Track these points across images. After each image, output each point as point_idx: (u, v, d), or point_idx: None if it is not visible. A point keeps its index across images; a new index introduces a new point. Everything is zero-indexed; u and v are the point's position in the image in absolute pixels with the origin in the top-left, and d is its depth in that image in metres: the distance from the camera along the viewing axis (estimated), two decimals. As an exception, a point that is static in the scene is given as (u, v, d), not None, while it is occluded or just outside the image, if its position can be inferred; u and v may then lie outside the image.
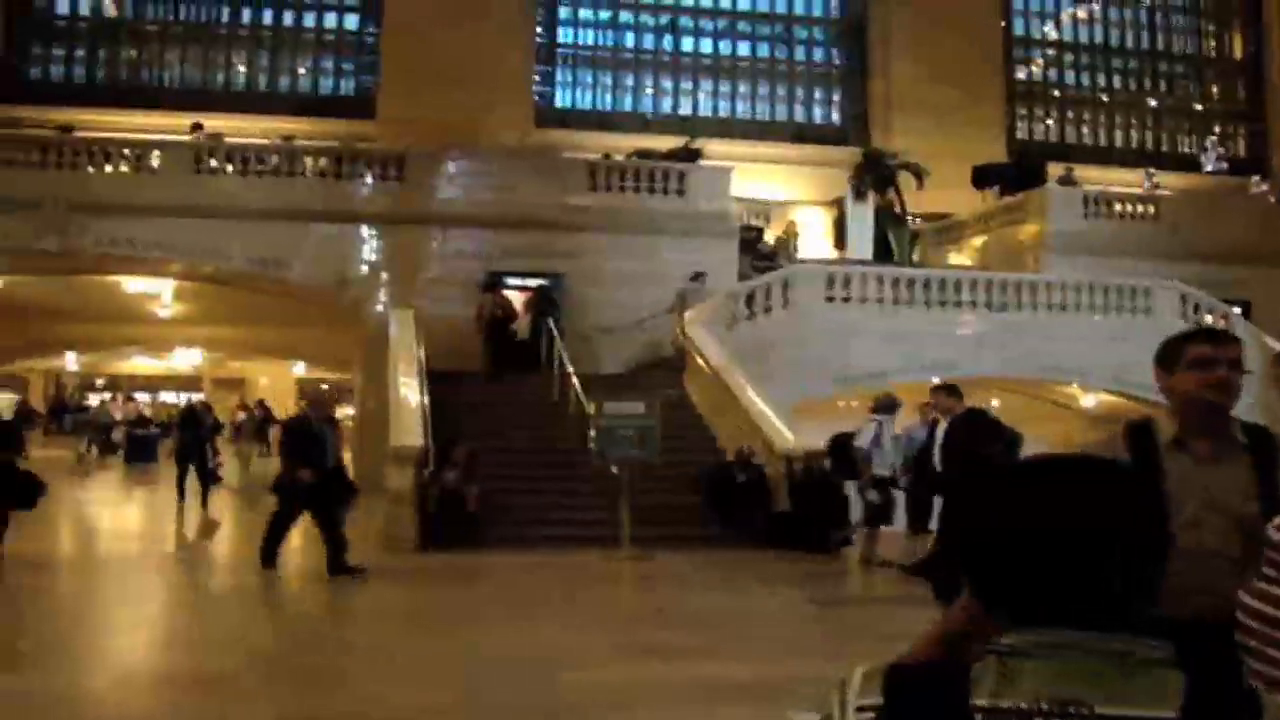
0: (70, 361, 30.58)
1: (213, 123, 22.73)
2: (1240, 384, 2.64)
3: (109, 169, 18.73)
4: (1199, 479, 2.55)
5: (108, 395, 29.75)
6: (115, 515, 16.66)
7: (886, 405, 11.75)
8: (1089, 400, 19.76)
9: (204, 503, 15.69)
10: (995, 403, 18.75)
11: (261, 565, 9.96)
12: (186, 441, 16.30)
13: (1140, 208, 22.76)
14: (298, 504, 9.92)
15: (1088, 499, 1.36)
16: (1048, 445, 18.51)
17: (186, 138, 20.28)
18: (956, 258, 23.25)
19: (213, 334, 25.57)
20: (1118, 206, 22.49)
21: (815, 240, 24.57)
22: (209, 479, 16.23)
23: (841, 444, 11.73)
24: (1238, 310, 19.45)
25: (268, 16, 27.16)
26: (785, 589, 10.06)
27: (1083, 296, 18.41)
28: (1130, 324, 18.17)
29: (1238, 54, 31.95)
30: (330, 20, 27.46)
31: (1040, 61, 30.69)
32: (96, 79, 26.42)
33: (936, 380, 16.08)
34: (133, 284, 20.80)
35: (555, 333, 15.94)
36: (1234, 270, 20.80)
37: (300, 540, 10.88)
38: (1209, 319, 18.88)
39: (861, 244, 20.95)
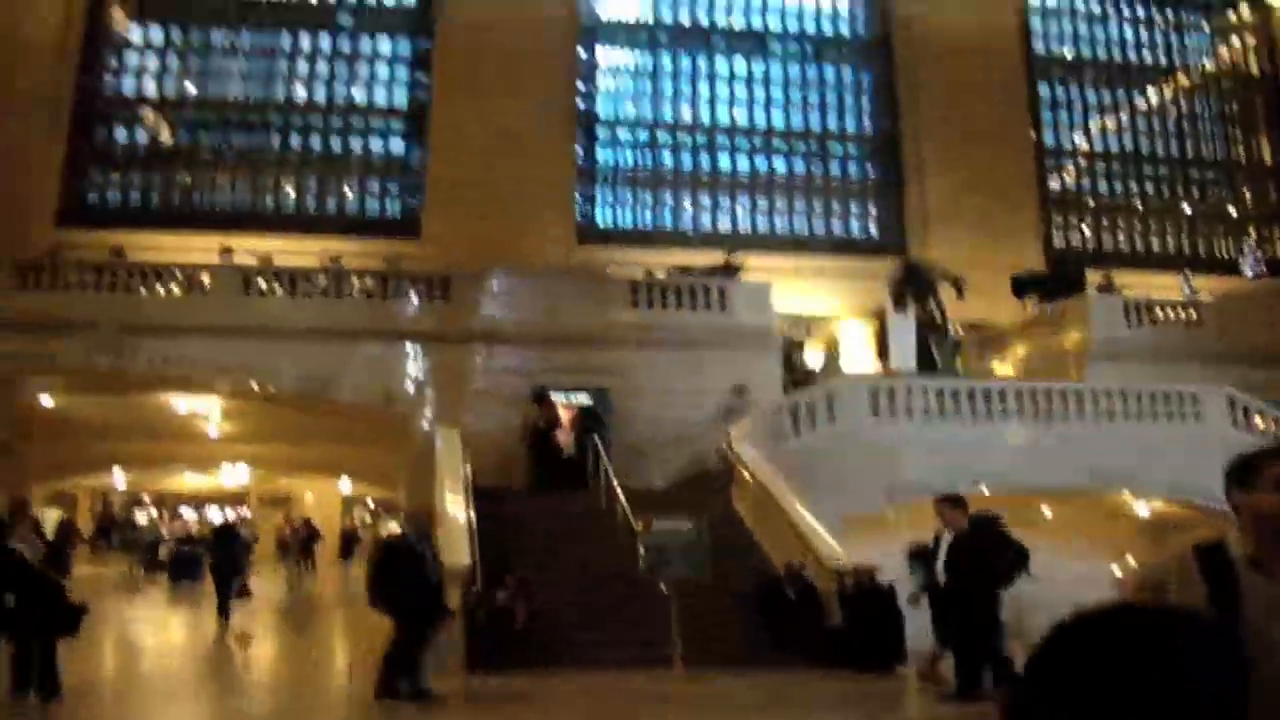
0: (118, 478, 30.88)
1: (262, 244, 23.38)
2: None
3: (160, 291, 19.25)
4: None
5: (154, 512, 29.94)
6: (158, 635, 16.60)
7: (920, 553, 11.54)
8: (1142, 509, 19.41)
9: (226, 615, 15.75)
10: (1047, 512, 18.50)
11: (376, 696, 9.30)
12: (221, 559, 16.46)
13: (1182, 313, 22.70)
14: (422, 622, 9.43)
15: (1170, 664, 1.34)
16: (1103, 556, 18.24)
17: (235, 260, 20.81)
18: (1000, 367, 23.19)
19: (260, 451, 25.80)
20: (1159, 312, 22.45)
21: (857, 352, 24.61)
22: (238, 594, 16.32)
23: (922, 554, 11.48)
24: (1288, 413, 19.17)
25: (316, 142, 28.07)
26: (843, 712, 9.81)
27: (1129, 404, 18.26)
28: (1180, 431, 17.99)
29: (1267, 159, 32.14)
30: (376, 144, 28.32)
31: (1072, 170, 31.01)
32: (151, 203, 27.25)
33: (985, 490, 15.96)
34: (182, 402, 21.13)
35: (601, 448, 15.96)
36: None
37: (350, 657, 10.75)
38: (1259, 423, 18.63)
39: (904, 355, 20.98)
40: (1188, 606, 2.35)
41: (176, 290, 19.37)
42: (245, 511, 28.11)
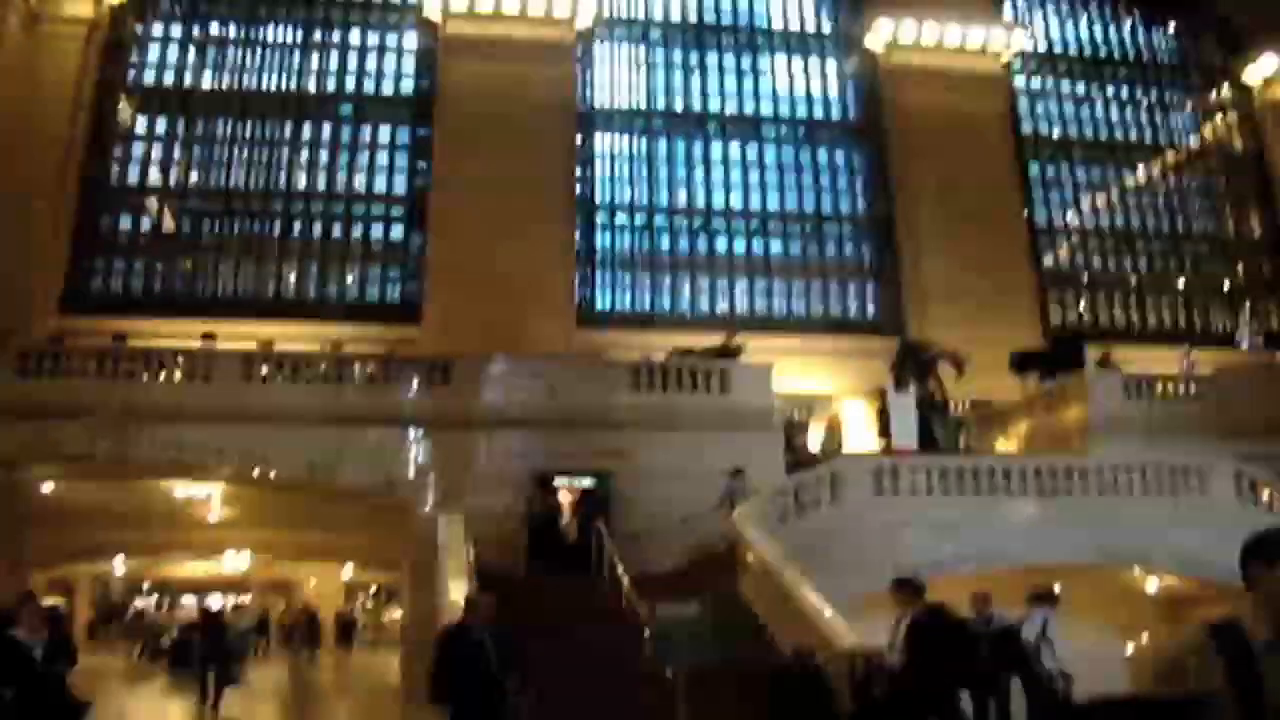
0: (118, 565, 30.60)
1: (264, 329, 23.54)
2: None
3: (162, 377, 19.28)
4: None
5: (153, 599, 29.60)
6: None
7: (1048, 595, 11.53)
8: (1152, 585, 19.23)
9: (215, 704, 15.56)
10: (1056, 588, 18.33)
11: None
12: (209, 648, 16.31)
13: (1181, 387, 22.76)
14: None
15: None
16: (1114, 634, 18.05)
17: (218, 346, 20.86)
18: (1003, 444, 23.18)
19: (261, 537, 25.59)
20: (1159, 387, 22.50)
21: (859, 432, 24.62)
22: (225, 681, 16.11)
23: (1006, 635, 11.34)
24: (1293, 485, 19.12)
25: (317, 229, 28.37)
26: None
27: (1134, 479, 18.19)
28: (1187, 505, 17.91)
29: (1256, 232, 32.55)
30: (377, 230, 28.64)
31: (1066, 248, 31.37)
32: (154, 290, 27.46)
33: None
34: (182, 488, 21.03)
35: (604, 533, 15.87)
36: (1280, 444, 20.56)
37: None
38: (1265, 496, 18.57)
39: (906, 434, 20.98)
40: (1208, 693, 2.35)
41: (178, 376, 19.40)
42: (246, 598, 27.77)
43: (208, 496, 21.58)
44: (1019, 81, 32.52)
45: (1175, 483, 18.31)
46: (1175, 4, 34.20)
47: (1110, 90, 33.40)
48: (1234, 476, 18.46)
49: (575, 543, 16.79)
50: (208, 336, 21.63)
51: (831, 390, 25.90)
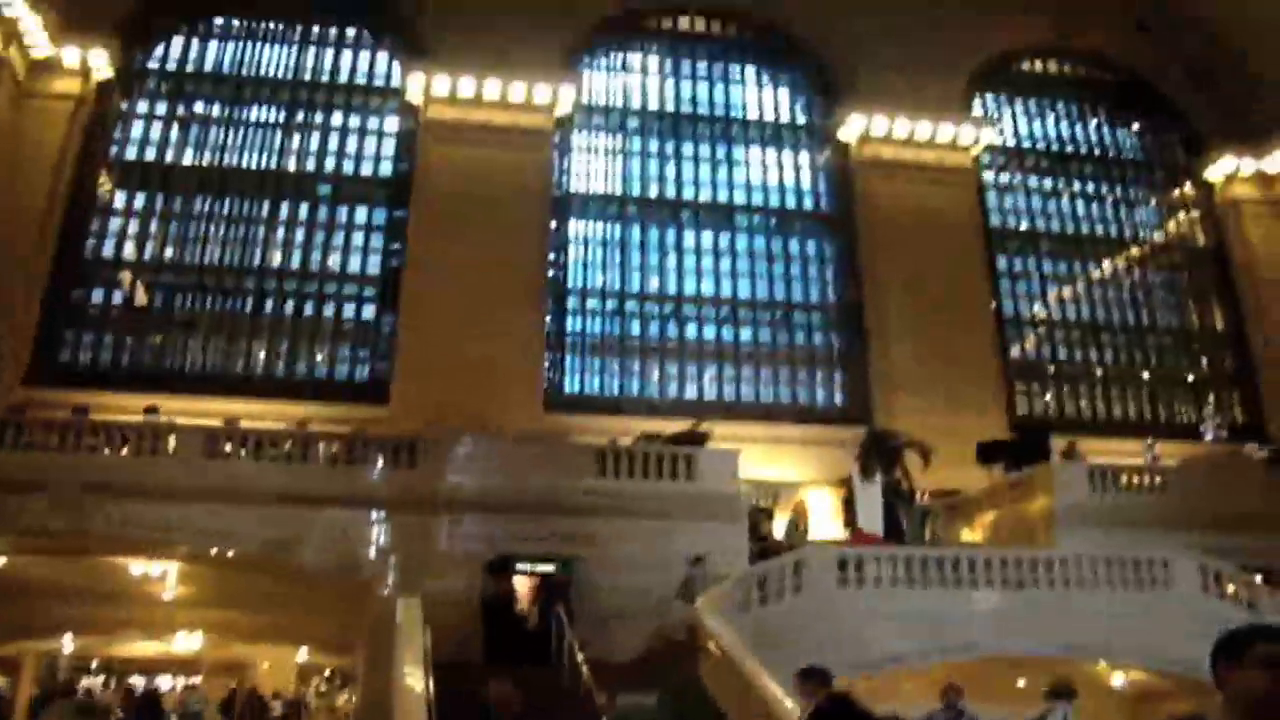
0: (67, 643, 29.81)
1: (230, 406, 23.37)
2: None
3: (124, 451, 19.07)
4: None
5: (101, 679, 28.76)
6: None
7: (1066, 691, 11.47)
8: (1118, 679, 19.12)
9: None
10: (1021, 683, 18.18)
11: None
12: None
13: (1146, 479, 22.90)
14: None
15: None
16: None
17: (160, 419, 20.67)
18: (968, 534, 23.18)
19: (215, 616, 25.03)
20: (1124, 478, 22.63)
21: (824, 520, 24.55)
22: None
23: None
24: (1259, 578, 19.17)
25: (288, 307, 28.36)
26: None
27: (1099, 570, 18.18)
28: (1152, 597, 17.89)
29: (1219, 326, 33.09)
30: (348, 310, 28.64)
31: (1033, 339, 31.74)
32: (121, 363, 27.25)
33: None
34: (137, 566, 20.65)
35: (564, 620, 15.67)
36: (1245, 537, 20.64)
37: None
38: (1230, 588, 18.59)
39: (871, 523, 20.97)
40: None
41: (139, 450, 19.19)
42: (196, 679, 27.04)
43: (163, 574, 21.19)
44: (988, 176, 33.20)
45: (1140, 575, 18.32)
46: (1139, 105, 35.18)
47: (1077, 186, 34.12)
48: (1198, 569, 18.50)
49: (536, 629, 16.55)
50: (150, 410, 21.41)
51: (798, 478, 25.87)
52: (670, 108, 32.22)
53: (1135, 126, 35.39)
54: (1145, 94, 34.95)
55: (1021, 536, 21.32)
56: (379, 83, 31.03)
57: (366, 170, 30.19)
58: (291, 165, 29.81)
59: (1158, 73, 34.72)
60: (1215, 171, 33.60)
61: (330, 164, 30.05)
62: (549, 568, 17.63)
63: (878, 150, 31.31)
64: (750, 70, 33.45)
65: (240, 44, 31.12)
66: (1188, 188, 34.67)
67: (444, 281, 26.86)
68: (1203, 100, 34.37)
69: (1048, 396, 31.13)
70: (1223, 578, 18.55)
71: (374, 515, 18.60)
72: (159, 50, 30.77)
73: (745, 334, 29.94)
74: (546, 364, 28.02)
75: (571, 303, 29.39)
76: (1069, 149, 34.52)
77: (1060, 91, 35.32)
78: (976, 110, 33.57)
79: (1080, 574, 18.03)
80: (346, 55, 31.38)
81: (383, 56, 31.40)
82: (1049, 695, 11.51)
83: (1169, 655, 16.55)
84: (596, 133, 31.53)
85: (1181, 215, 34.51)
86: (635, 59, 32.83)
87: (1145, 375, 31.99)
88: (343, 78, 31.06)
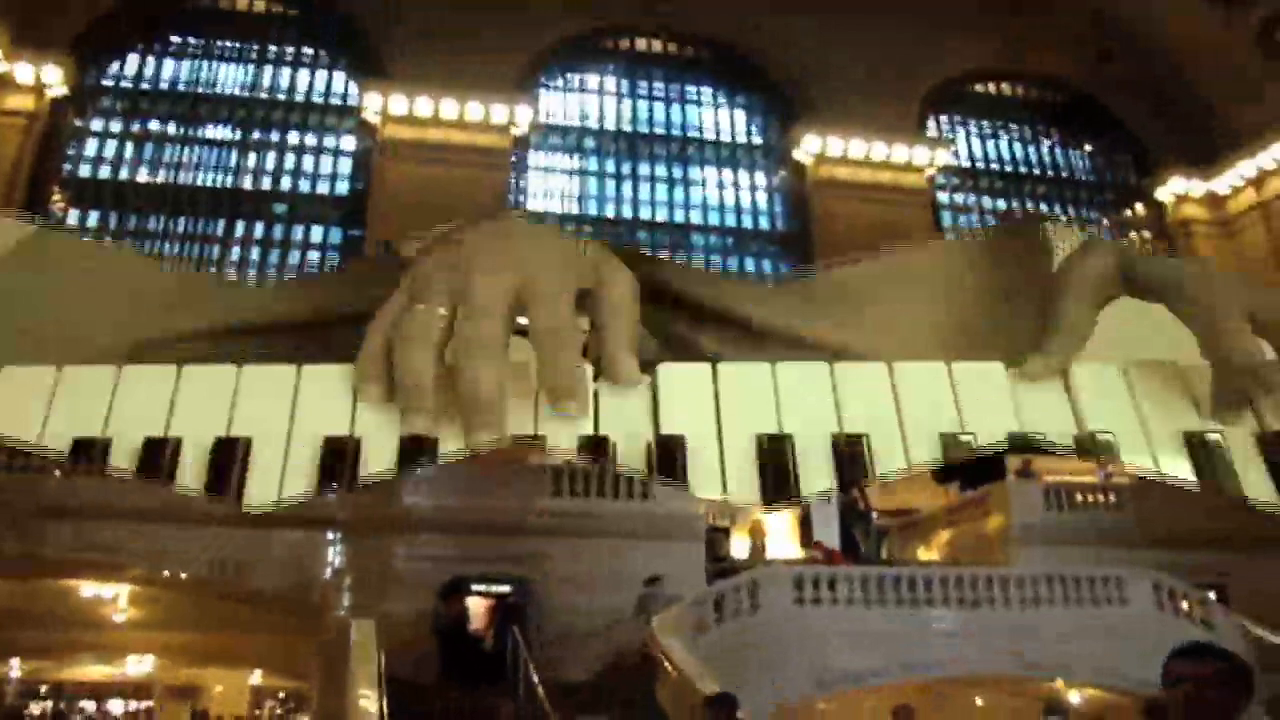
0: (14, 667, 29.19)
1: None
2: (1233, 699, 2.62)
3: (75, 472, 18.75)
4: None
5: (49, 704, 28.16)
6: None
7: (1061, 709, 11.55)
8: (1075, 697, 19.24)
9: None
10: (979, 702, 18.27)
11: None
12: None
13: (1101, 497, 23.08)
14: None
15: None
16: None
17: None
18: (925, 553, 23.28)
19: (168, 639, 24.63)
20: (1079, 497, 22.81)
21: (781, 540, 24.53)
22: None
23: None
24: (1212, 595, 19.38)
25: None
26: None
27: (1055, 589, 18.27)
28: (1106, 615, 18.01)
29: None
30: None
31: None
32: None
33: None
34: (88, 588, 20.30)
35: (520, 641, 15.58)
36: (1202, 554, 20.83)
37: None
38: (1185, 606, 18.76)
39: (828, 542, 21.01)
40: None
41: (90, 471, 18.84)
42: (147, 704, 26.54)
43: (115, 596, 20.84)
44: (942, 196, 33.56)
45: (1095, 593, 18.42)
46: (1091, 127, 35.74)
47: (1030, 205, 34.57)
48: (1153, 587, 18.66)
49: (492, 650, 16.43)
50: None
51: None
52: (627, 128, 32.33)
53: (1087, 148, 35.96)
54: (1097, 115, 35.52)
55: (979, 555, 21.44)
56: (335, 101, 30.90)
57: (323, 189, 30.02)
58: (248, 184, 29.58)
59: (1109, 94, 35.31)
60: (1166, 192, 34.15)
61: (286, 183, 29.85)
62: (504, 589, 17.51)
63: (834, 170, 31.57)
64: (707, 91, 33.65)
65: (196, 62, 30.89)
66: (1139, 208, 35.23)
67: (401, 300, 26.68)
68: (1155, 122, 34.97)
69: (1004, 415, 31.31)
70: (1177, 595, 18.71)
71: (328, 537, 18.41)
72: (114, 67, 30.46)
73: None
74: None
75: (528, 324, 29.23)
76: (1022, 169, 35.00)
77: (1013, 113, 35.83)
78: (931, 131, 33.95)
79: (1037, 592, 18.11)
80: (303, 74, 31.23)
81: (339, 75, 31.27)
82: (1046, 714, 11.61)
83: (1125, 673, 16.66)
84: (554, 152, 31.57)
85: (1133, 235, 35.03)
86: (593, 79, 32.94)
87: (1099, 393, 32.31)
88: (299, 96, 30.90)
